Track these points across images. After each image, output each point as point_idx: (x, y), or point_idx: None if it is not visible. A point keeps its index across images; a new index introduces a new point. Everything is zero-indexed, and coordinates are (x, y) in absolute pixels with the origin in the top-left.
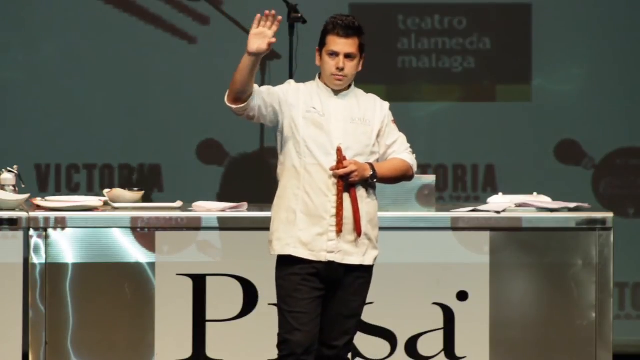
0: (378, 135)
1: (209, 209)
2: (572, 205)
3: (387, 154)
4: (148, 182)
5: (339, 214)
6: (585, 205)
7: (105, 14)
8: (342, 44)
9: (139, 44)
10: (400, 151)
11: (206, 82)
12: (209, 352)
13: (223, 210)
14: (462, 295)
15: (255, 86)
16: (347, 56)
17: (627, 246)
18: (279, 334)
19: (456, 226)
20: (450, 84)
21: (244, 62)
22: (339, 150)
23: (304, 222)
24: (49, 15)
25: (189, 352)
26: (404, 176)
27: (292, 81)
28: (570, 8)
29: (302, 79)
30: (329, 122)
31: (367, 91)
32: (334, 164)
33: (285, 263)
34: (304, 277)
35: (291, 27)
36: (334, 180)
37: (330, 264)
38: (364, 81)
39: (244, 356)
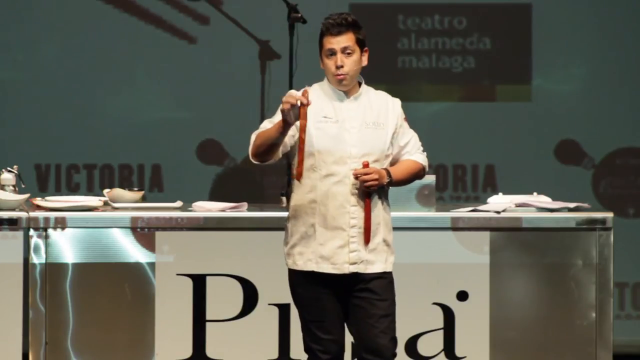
0: (392, 137)
1: (209, 209)
2: (572, 205)
3: (400, 155)
4: (148, 182)
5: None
6: (585, 205)
7: (105, 14)
8: (336, 42)
9: (139, 44)
10: (412, 152)
11: (206, 82)
12: (209, 352)
13: (223, 210)
14: (462, 295)
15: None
16: (345, 52)
17: (627, 246)
18: (305, 343)
19: (456, 226)
20: (450, 84)
21: (274, 130)
22: (365, 165)
23: (323, 236)
24: (49, 15)
25: (189, 352)
26: (416, 177)
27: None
28: (570, 8)
29: (302, 79)
30: (344, 129)
31: None
32: (350, 173)
33: (303, 272)
34: (324, 284)
35: (291, 27)
36: (352, 190)
37: (353, 274)
38: (365, 81)
39: (244, 356)
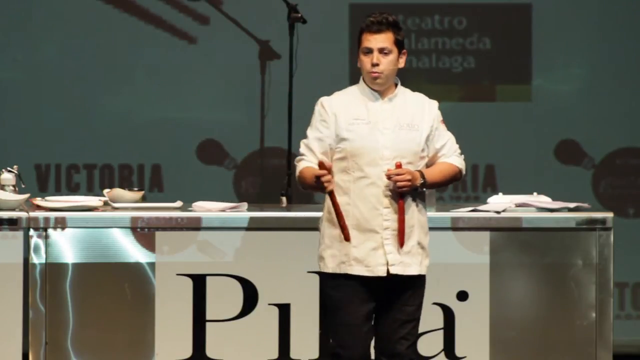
0: (427, 139)
1: (209, 209)
2: (572, 205)
3: (436, 158)
4: (148, 182)
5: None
6: (585, 205)
7: (105, 14)
8: (374, 40)
9: (139, 44)
10: (449, 154)
11: (206, 82)
12: (209, 352)
13: (223, 210)
14: (462, 295)
15: (321, 157)
16: (382, 52)
17: (627, 246)
18: (330, 346)
19: (456, 226)
20: (450, 84)
21: (312, 183)
22: (398, 166)
23: (357, 238)
24: (49, 15)
25: (189, 352)
26: (452, 180)
27: (323, 100)
28: (570, 8)
29: (302, 79)
30: (376, 130)
31: None
32: (383, 175)
33: (336, 275)
34: (355, 288)
35: (291, 27)
36: (385, 192)
37: (387, 276)
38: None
39: (244, 356)
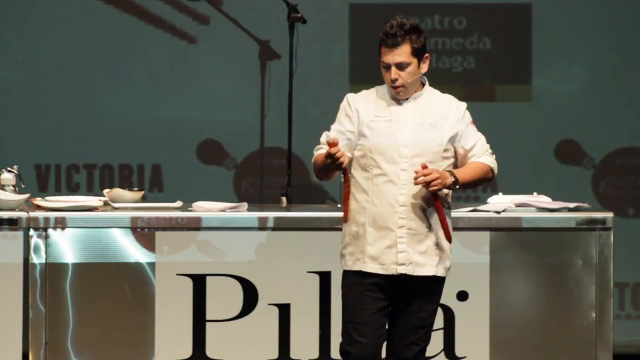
0: (454, 140)
1: (209, 209)
2: (572, 205)
3: (466, 158)
4: (148, 182)
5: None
6: (585, 205)
7: (105, 14)
8: (390, 55)
9: (139, 44)
10: (479, 154)
11: (206, 82)
12: (209, 352)
13: (223, 210)
14: (462, 295)
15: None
16: (399, 66)
17: (627, 246)
18: (340, 344)
19: (456, 226)
20: (450, 84)
21: (322, 161)
22: (424, 167)
23: (372, 236)
24: (49, 15)
25: (189, 352)
26: (484, 179)
27: (349, 96)
28: (570, 8)
29: (302, 79)
30: (397, 129)
31: None
32: (401, 173)
33: (352, 273)
34: (368, 287)
35: (291, 27)
36: (401, 190)
37: (401, 276)
38: (365, 81)
39: (244, 356)
